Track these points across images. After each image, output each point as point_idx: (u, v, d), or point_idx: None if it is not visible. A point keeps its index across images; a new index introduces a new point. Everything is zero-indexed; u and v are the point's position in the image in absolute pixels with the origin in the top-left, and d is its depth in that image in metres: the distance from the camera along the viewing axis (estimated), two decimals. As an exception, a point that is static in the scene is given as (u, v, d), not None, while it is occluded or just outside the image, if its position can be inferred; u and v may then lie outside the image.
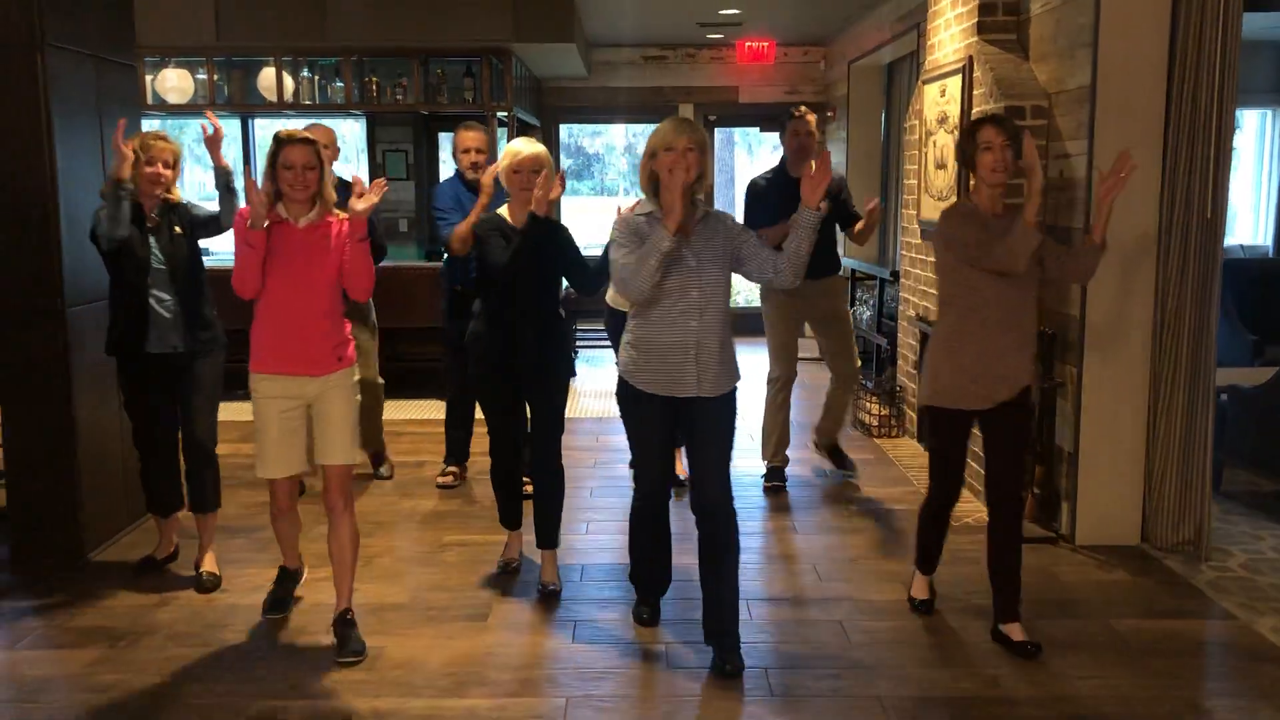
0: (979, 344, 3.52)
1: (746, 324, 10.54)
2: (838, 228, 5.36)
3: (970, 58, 5.25)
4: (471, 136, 5.17)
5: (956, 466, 3.72)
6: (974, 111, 5.21)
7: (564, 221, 4.52)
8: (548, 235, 3.95)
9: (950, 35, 5.67)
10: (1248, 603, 3.99)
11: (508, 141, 4.39)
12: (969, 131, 3.60)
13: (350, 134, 10.87)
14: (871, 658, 3.56)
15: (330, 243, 3.51)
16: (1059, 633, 3.72)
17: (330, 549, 3.63)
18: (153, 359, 4.08)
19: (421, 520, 5.00)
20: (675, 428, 3.57)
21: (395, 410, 7.24)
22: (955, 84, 5.45)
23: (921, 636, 3.74)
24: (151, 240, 4.06)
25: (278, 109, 8.43)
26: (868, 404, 6.61)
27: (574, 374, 4.29)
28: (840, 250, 5.62)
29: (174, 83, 8.31)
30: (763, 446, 5.54)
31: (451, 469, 5.52)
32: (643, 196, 3.58)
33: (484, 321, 4.07)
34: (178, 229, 4.11)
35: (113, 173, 3.94)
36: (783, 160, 5.35)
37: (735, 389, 3.55)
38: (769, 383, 5.48)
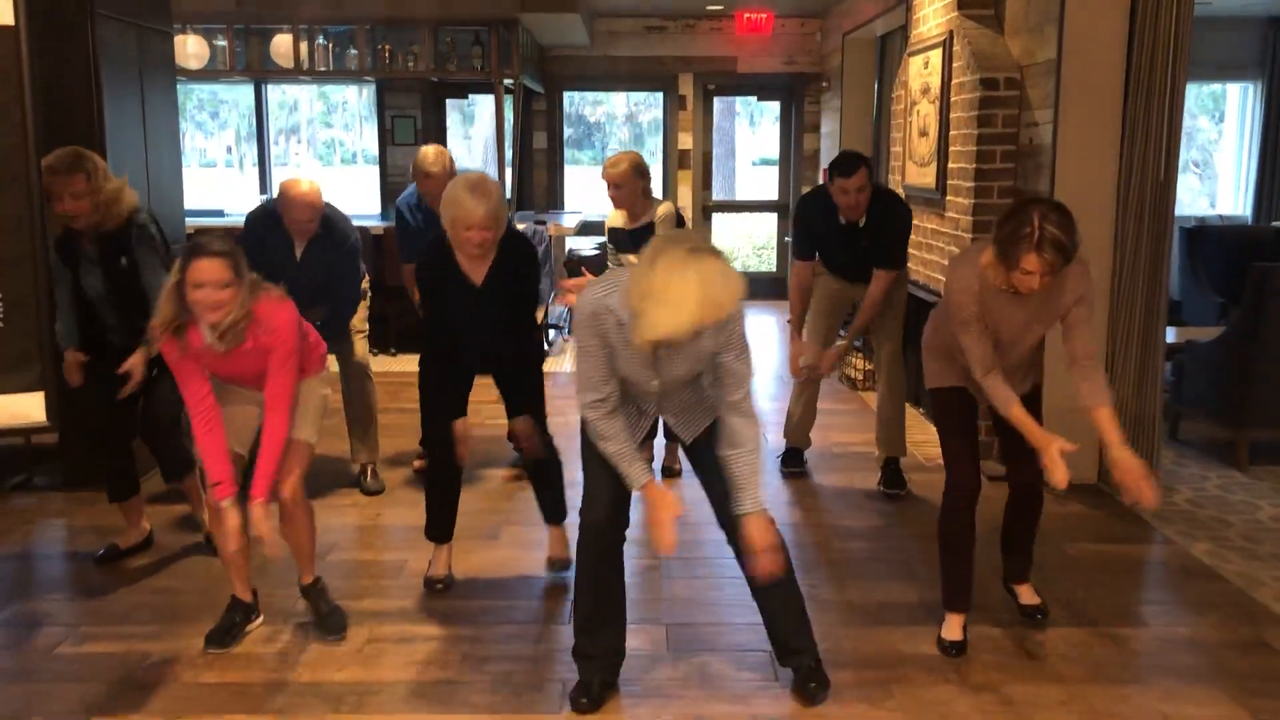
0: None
1: (765, 288, 10.98)
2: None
3: (951, 32, 5.62)
4: (430, 159, 4.80)
5: (970, 453, 3.45)
6: (953, 83, 5.58)
7: (565, 191, 4.12)
8: (508, 274, 3.52)
9: (934, 10, 6.03)
10: (1187, 530, 4.41)
11: (515, 110, 4.43)
12: (1015, 237, 3.01)
13: (360, 100, 11.19)
14: (843, 572, 3.99)
15: (263, 337, 3.18)
16: (1013, 553, 4.14)
17: (283, 533, 3.44)
18: (111, 358, 3.90)
19: (414, 467, 5.37)
20: (647, 443, 3.28)
21: (408, 364, 7.67)
22: (937, 57, 5.82)
23: (889, 555, 4.15)
24: (95, 271, 3.85)
25: (293, 75, 8.78)
26: (853, 360, 7.02)
27: (543, 356, 3.93)
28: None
29: (193, 49, 8.64)
30: (785, 424, 5.29)
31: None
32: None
33: (433, 358, 3.72)
34: (124, 259, 3.83)
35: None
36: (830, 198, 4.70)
37: None
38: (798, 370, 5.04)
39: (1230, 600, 3.75)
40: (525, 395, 3.73)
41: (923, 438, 5.57)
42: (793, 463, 5.26)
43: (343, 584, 3.83)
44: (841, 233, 4.73)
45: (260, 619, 3.57)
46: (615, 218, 4.81)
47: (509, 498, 4.78)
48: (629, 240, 4.71)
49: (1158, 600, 3.82)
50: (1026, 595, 3.59)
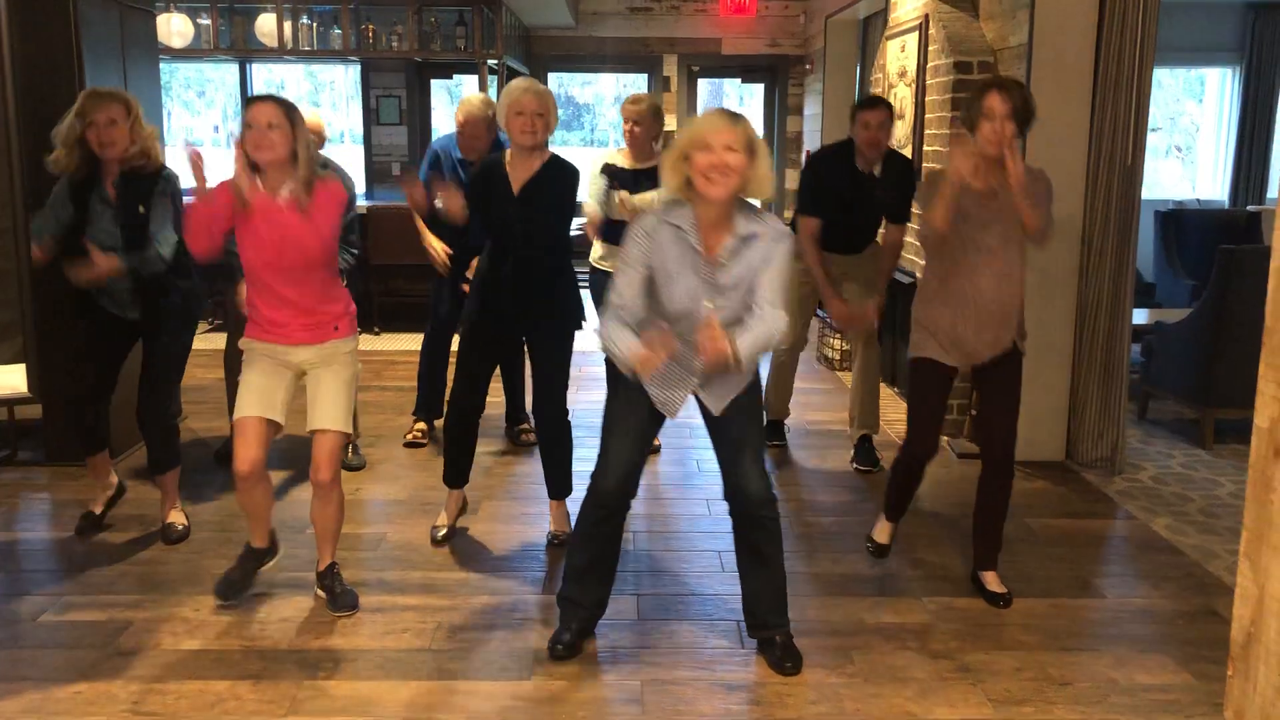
0: (960, 310, 3.52)
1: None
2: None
3: (927, 16, 5.69)
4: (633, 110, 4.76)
5: (932, 417, 3.66)
6: (929, 66, 5.66)
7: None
8: (549, 191, 3.79)
9: (911, -6, 6.10)
10: (1149, 506, 4.53)
11: (498, 91, 4.64)
12: (976, 94, 3.44)
13: (345, 80, 11.20)
14: (812, 546, 4.09)
15: (315, 214, 3.26)
16: (978, 528, 4.25)
17: (313, 516, 3.54)
18: (109, 324, 3.97)
19: (405, 439, 5.47)
20: (658, 428, 3.28)
21: (391, 343, 7.76)
22: (913, 40, 5.90)
23: (858, 530, 4.23)
24: (108, 216, 3.84)
25: (277, 54, 8.81)
26: (831, 339, 7.11)
27: (581, 324, 4.03)
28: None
29: (177, 27, 8.66)
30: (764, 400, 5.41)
31: (420, 425, 5.38)
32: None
33: (487, 262, 3.95)
34: (141, 208, 3.84)
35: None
36: (850, 146, 4.79)
37: (755, 382, 3.17)
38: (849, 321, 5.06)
39: (1185, 572, 3.87)
40: (554, 349, 3.95)
41: (896, 416, 5.67)
42: (772, 435, 5.36)
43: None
44: (856, 184, 4.77)
45: (278, 556, 3.70)
46: (615, 156, 4.79)
47: (488, 474, 4.86)
48: (631, 180, 4.64)
49: (1115, 573, 3.93)
50: (993, 583, 3.67)
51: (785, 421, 5.47)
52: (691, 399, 3.15)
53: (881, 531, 3.98)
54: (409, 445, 5.28)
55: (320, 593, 3.57)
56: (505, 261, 3.84)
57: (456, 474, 4.13)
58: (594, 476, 3.17)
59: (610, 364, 3.18)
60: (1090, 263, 4.94)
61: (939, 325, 3.58)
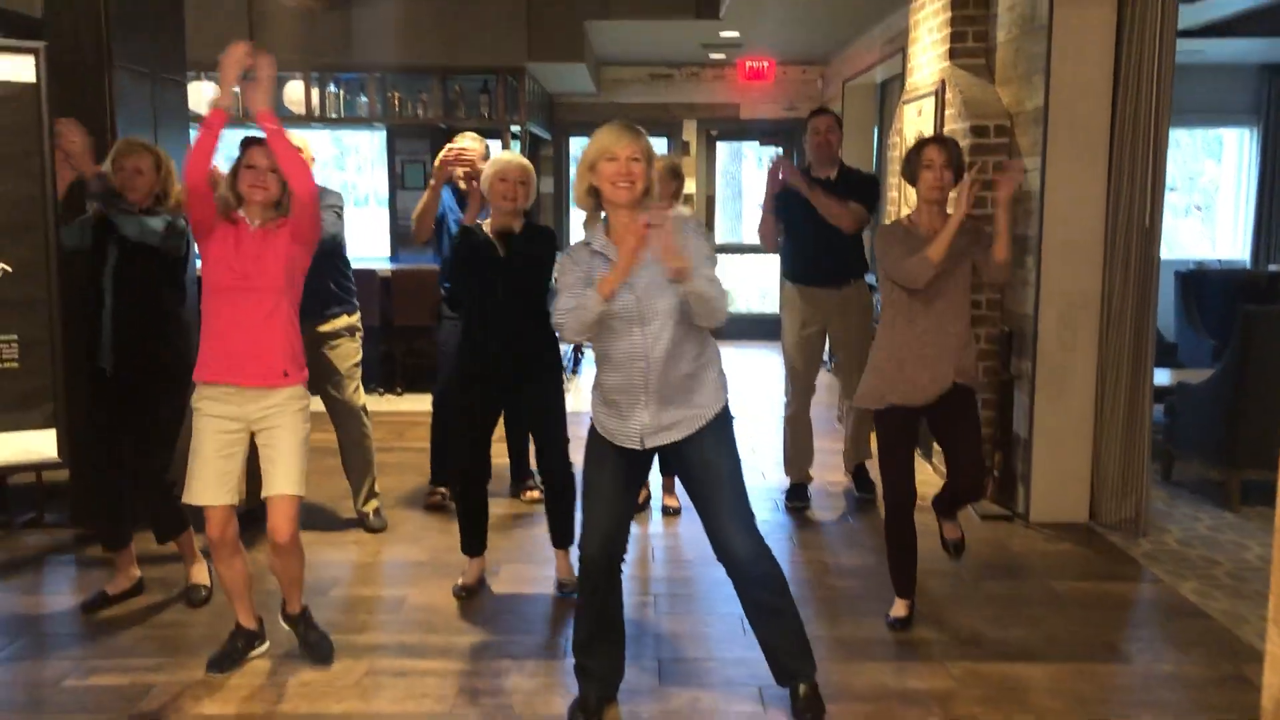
0: (906, 350, 3.74)
1: (767, 329, 11.08)
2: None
3: (943, 81, 5.76)
4: (467, 143, 4.96)
5: (903, 464, 3.79)
6: (945, 131, 5.72)
7: (571, 232, 4.51)
8: (531, 248, 3.95)
9: (927, 59, 6.18)
10: (1175, 570, 4.47)
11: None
12: (914, 150, 3.79)
13: (370, 145, 11.41)
14: (833, 609, 4.07)
15: (281, 245, 3.36)
16: (1001, 590, 4.22)
17: (273, 569, 3.57)
18: (103, 384, 3.92)
19: (426, 503, 5.47)
20: (637, 479, 3.24)
21: (413, 403, 7.80)
22: (930, 105, 5.96)
23: (879, 592, 4.20)
24: (115, 253, 3.87)
25: (304, 121, 8.97)
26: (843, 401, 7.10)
27: (574, 371, 4.17)
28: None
29: (207, 95, 8.85)
30: (784, 461, 5.50)
31: (440, 489, 5.34)
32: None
33: (469, 325, 4.05)
34: (127, 231, 3.85)
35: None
36: (807, 161, 5.30)
37: (724, 412, 3.16)
38: (786, 410, 5.42)
39: (1214, 637, 3.81)
40: (546, 404, 4.06)
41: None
42: (797, 498, 5.39)
43: (342, 618, 3.92)
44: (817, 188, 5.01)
45: (266, 645, 3.66)
46: None
47: (507, 535, 4.86)
48: None
49: (1143, 637, 3.88)
50: (950, 530, 4.09)
51: (808, 486, 5.49)
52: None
53: (899, 608, 3.93)
54: (429, 509, 5.29)
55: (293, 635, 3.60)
56: (488, 323, 3.95)
57: (473, 542, 4.20)
58: (579, 545, 3.18)
59: (589, 430, 3.21)
60: (1110, 323, 4.94)
61: (888, 368, 3.77)
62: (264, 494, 3.45)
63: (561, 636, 3.80)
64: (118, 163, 3.87)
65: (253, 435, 3.45)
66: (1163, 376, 6.13)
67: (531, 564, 4.52)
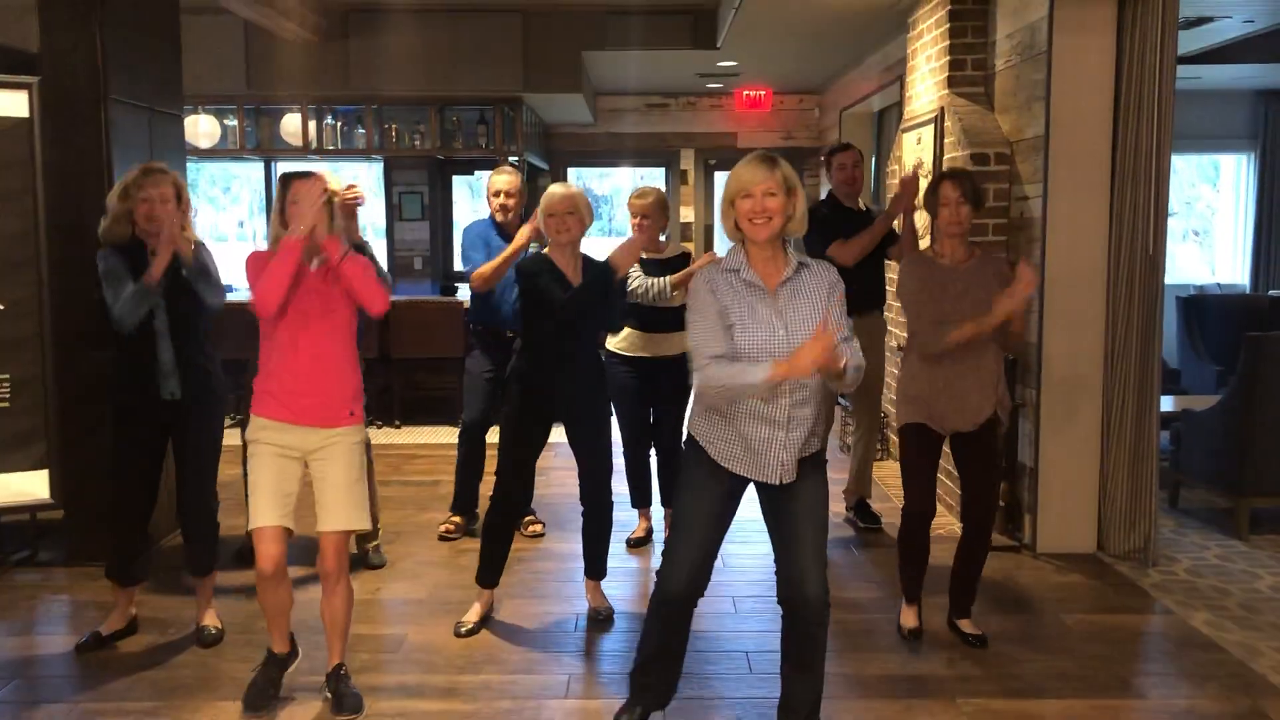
0: (938, 381, 3.82)
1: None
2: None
3: (942, 109, 5.75)
4: (502, 180, 5.11)
5: (927, 479, 3.89)
6: (945, 158, 5.71)
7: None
8: (605, 280, 3.90)
9: (926, 88, 6.17)
10: (1185, 600, 4.41)
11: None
12: (933, 185, 3.94)
13: (367, 177, 11.41)
14: (841, 644, 3.99)
15: (342, 288, 3.38)
16: (1011, 625, 4.15)
17: (322, 612, 3.50)
18: (149, 411, 3.89)
19: (438, 531, 5.43)
20: (731, 518, 3.16)
21: (412, 436, 7.74)
22: (929, 133, 5.95)
23: (888, 629, 4.15)
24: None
25: (301, 153, 8.98)
26: (851, 426, 7.04)
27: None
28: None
29: (205, 128, 8.86)
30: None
31: (456, 518, 5.35)
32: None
33: (527, 360, 4.04)
34: (184, 270, 3.81)
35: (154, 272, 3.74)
36: (830, 199, 5.41)
37: (824, 450, 3.12)
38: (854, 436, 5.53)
39: (1228, 671, 3.75)
40: (599, 434, 4.14)
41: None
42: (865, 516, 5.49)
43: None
44: (845, 220, 5.15)
45: (298, 659, 3.63)
46: None
47: (508, 570, 4.77)
48: (659, 269, 4.75)
49: (1156, 671, 3.81)
50: (968, 627, 4.01)
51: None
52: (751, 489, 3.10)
53: (909, 616, 4.06)
54: (443, 539, 5.24)
55: (327, 694, 3.50)
56: (552, 354, 3.97)
57: (492, 573, 4.17)
58: (660, 576, 3.14)
59: (689, 450, 3.13)
60: (1115, 351, 4.90)
61: (921, 397, 3.87)
62: (318, 527, 3.42)
63: (564, 675, 3.73)
64: (143, 192, 3.76)
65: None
66: (1167, 403, 6.08)
67: (535, 599, 4.45)
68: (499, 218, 5.11)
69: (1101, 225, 4.89)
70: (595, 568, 4.27)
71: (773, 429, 2.94)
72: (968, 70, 5.72)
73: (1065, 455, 4.98)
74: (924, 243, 4.23)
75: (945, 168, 4.43)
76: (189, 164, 9.60)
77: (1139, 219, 4.78)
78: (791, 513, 3.02)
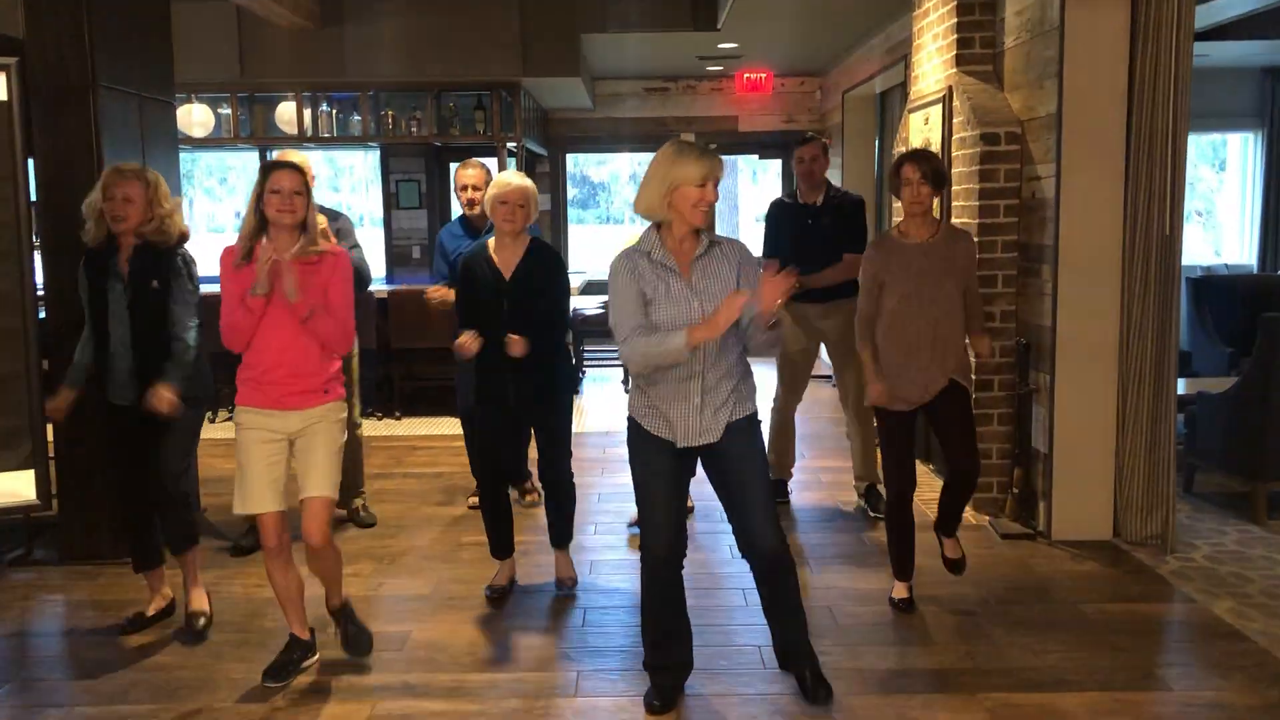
0: (902, 355, 3.99)
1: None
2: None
3: (950, 88, 5.62)
4: (469, 175, 5.24)
5: (901, 458, 4.07)
6: (954, 138, 5.59)
7: (570, 250, 4.75)
8: (538, 274, 4.05)
9: (933, 66, 6.05)
10: (1207, 588, 4.31)
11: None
12: (895, 166, 4.06)
13: (364, 164, 11.26)
14: (857, 636, 3.89)
15: (318, 277, 3.46)
16: (1030, 615, 4.05)
17: (312, 570, 3.63)
18: (117, 411, 3.92)
19: (441, 524, 5.34)
20: (687, 477, 3.37)
21: (412, 428, 7.63)
22: (937, 113, 5.82)
23: (903, 620, 4.06)
24: (117, 288, 3.83)
25: (297, 141, 8.83)
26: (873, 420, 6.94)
27: (578, 391, 4.34)
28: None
29: (198, 117, 8.72)
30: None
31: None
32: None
33: (480, 354, 4.02)
34: (155, 283, 3.82)
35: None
36: (795, 185, 5.59)
37: (755, 414, 3.37)
38: (773, 407, 5.51)
39: (1254, 661, 3.65)
40: (559, 416, 4.24)
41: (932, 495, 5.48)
42: (778, 493, 5.53)
43: (343, 657, 3.74)
44: (801, 215, 5.38)
45: (317, 657, 3.69)
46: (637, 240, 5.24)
47: (517, 564, 4.69)
48: None
49: (1180, 663, 3.71)
50: (951, 549, 4.23)
51: (788, 482, 5.72)
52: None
53: (899, 590, 4.18)
54: (473, 509, 5.33)
55: (335, 632, 3.70)
56: (495, 343, 3.97)
57: (500, 545, 4.33)
58: (643, 545, 3.35)
59: (629, 428, 3.37)
60: (1130, 334, 4.79)
61: (889, 371, 4.01)
62: (299, 497, 3.52)
63: (573, 672, 3.63)
64: (107, 192, 3.79)
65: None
66: (1179, 386, 5.98)
67: (544, 594, 4.36)
68: (466, 211, 5.31)
69: (1116, 205, 4.77)
70: (556, 535, 4.40)
71: (689, 397, 3.22)
72: (976, 48, 5.59)
73: (1080, 440, 4.88)
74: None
75: (907, 150, 4.50)
76: (184, 154, 9.52)
77: (1155, 198, 4.67)
78: (731, 471, 3.31)
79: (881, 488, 5.13)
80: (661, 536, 3.29)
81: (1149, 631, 3.95)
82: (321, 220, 3.72)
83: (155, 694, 3.51)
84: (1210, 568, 4.55)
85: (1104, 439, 4.88)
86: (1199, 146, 10.96)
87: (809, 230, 5.33)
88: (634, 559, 4.71)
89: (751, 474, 3.30)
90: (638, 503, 3.37)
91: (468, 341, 3.96)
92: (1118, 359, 4.85)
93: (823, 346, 5.67)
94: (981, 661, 3.67)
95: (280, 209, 3.39)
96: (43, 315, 4.67)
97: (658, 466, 3.29)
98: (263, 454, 3.47)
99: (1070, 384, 4.86)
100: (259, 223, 3.43)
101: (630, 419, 3.36)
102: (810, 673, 3.40)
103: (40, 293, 4.33)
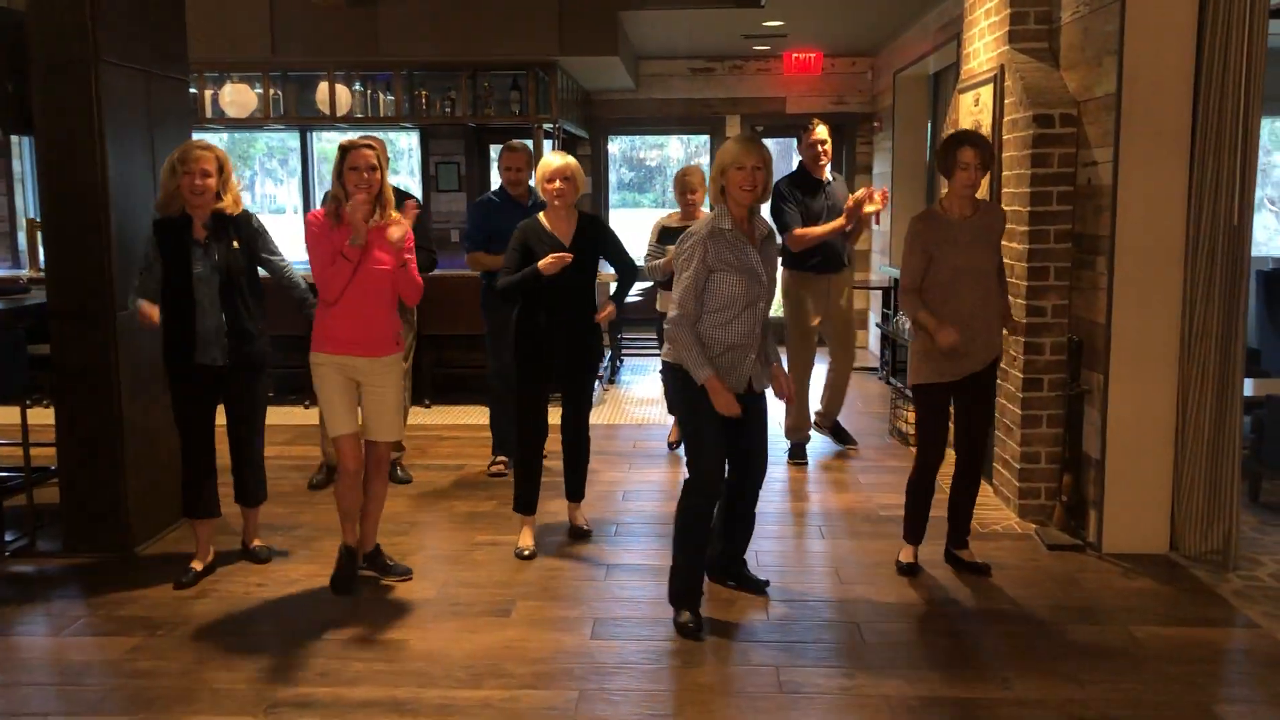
0: (959, 323, 4.10)
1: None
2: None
3: (1002, 66, 5.27)
4: (513, 157, 5.74)
5: (941, 433, 4.28)
6: (1006, 120, 5.24)
7: (626, 233, 5.24)
8: (589, 243, 4.57)
9: (984, 44, 5.68)
10: (1273, 611, 3.95)
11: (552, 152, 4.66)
12: (949, 147, 4.14)
13: (406, 146, 11.11)
14: (884, 659, 3.60)
15: (391, 243, 3.99)
16: (1076, 637, 3.74)
17: (364, 496, 4.20)
18: (197, 371, 4.20)
19: (456, 520, 5.13)
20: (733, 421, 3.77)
21: (440, 416, 7.44)
22: (988, 93, 5.47)
23: (936, 639, 3.77)
24: (199, 253, 4.14)
25: (331, 122, 8.66)
26: (905, 412, 6.62)
27: (603, 357, 5.00)
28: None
29: (233, 97, 8.58)
30: (784, 425, 6.24)
31: (501, 459, 5.89)
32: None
33: (524, 312, 4.55)
34: (235, 243, 4.19)
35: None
36: (799, 170, 6.11)
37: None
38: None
39: (1326, 699, 3.31)
40: (587, 376, 4.74)
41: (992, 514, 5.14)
42: (799, 455, 6.18)
43: (336, 666, 3.54)
44: (820, 192, 6.01)
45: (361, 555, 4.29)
46: (671, 218, 6.08)
47: (521, 569, 4.46)
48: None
49: (1242, 697, 3.36)
50: (968, 556, 4.39)
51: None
52: None
53: (907, 553, 4.39)
54: (492, 476, 5.82)
55: (371, 572, 4.31)
56: (548, 313, 4.50)
57: (530, 502, 4.67)
58: (694, 471, 3.78)
59: (673, 372, 3.83)
60: (1194, 331, 4.43)
61: (932, 353, 4.16)
62: (368, 437, 4.17)
63: (574, 690, 3.38)
64: (185, 165, 4.07)
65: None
66: (1247, 387, 5.58)
67: (549, 601, 4.11)
68: (511, 190, 5.77)
69: (1179, 193, 4.40)
70: (574, 491, 4.86)
71: (749, 348, 3.77)
72: (1030, 24, 5.22)
73: (1135, 445, 4.52)
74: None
75: (958, 131, 4.37)
76: (216, 134, 9.39)
77: (1222, 186, 4.30)
78: (753, 439, 3.93)
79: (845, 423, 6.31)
80: (713, 457, 3.76)
81: (1206, 659, 3.61)
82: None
83: (132, 703, 3.31)
84: (1277, 588, 4.18)
85: (1161, 444, 4.53)
86: (1271, 131, 10.39)
87: (829, 207, 5.99)
88: (652, 564, 4.47)
89: (763, 410, 3.97)
90: (689, 432, 3.81)
91: (554, 263, 4.35)
92: (1178, 358, 4.49)
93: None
94: (1019, 691, 3.36)
95: (357, 185, 3.91)
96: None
97: (708, 410, 3.70)
98: (339, 387, 4.06)
99: (1125, 385, 4.51)
100: (342, 194, 3.95)
101: (677, 367, 3.77)
102: (746, 573, 4.17)
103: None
